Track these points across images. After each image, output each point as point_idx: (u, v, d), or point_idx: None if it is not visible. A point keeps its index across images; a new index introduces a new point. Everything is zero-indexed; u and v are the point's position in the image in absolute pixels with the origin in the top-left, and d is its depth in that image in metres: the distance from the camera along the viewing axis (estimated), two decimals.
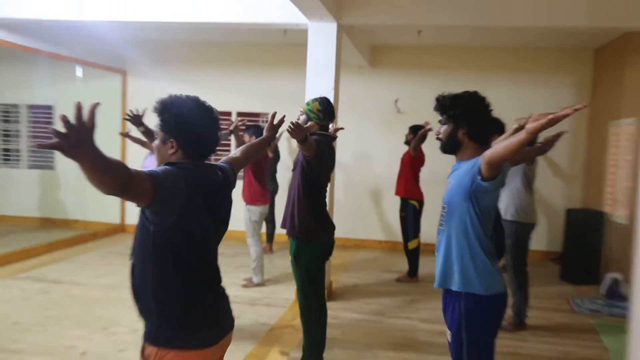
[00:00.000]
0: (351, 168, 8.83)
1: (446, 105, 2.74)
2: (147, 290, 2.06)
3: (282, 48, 8.53)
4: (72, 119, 1.53)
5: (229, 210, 2.32)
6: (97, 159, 1.59)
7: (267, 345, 4.66)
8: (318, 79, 5.84)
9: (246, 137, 6.13)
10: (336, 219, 4.74)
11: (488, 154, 2.44)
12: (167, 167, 2.01)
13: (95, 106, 1.58)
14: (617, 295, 6.21)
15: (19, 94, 9.13)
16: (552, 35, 7.47)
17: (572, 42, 7.86)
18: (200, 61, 9.25)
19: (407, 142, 6.85)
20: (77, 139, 1.52)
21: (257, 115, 8.91)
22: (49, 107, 9.38)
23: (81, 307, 5.50)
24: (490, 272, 2.65)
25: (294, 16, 5.73)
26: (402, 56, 8.79)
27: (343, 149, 7.14)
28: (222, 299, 2.28)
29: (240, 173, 8.61)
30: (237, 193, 6.80)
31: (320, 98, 3.97)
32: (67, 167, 8.92)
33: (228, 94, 9.05)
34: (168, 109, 2.10)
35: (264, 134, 2.94)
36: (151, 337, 2.07)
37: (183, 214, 2.00)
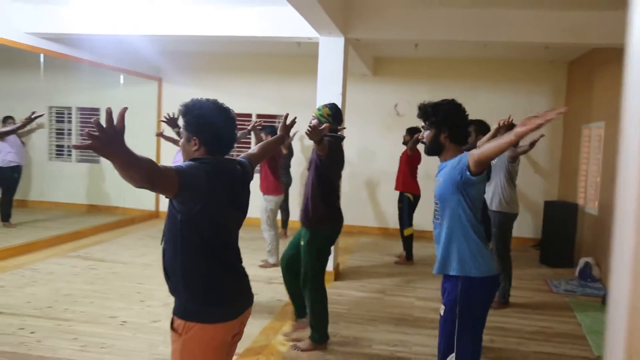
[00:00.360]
0: (355, 164, 8.71)
1: (428, 112, 2.67)
2: (176, 271, 2.06)
3: (296, 59, 8.44)
4: (103, 122, 1.52)
5: (247, 199, 2.28)
6: (126, 156, 1.60)
7: (282, 319, 4.57)
8: (327, 86, 5.78)
9: (263, 136, 6.08)
10: (342, 208, 4.65)
11: (477, 153, 2.39)
12: (191, 162, 2.00)
13: (124, 110, 1.57)
14: (589, 277, 6.08)
15: (71, 98, 9.08)
16: (531, 50, 7.38)
17: (548, 55, 7.77)
18: (225, 70, 9.16)
19: (404, 143, 6.81)
20: (108, 140, 1.54)
21: (274, 117, 8.81)
22: (96, 110, 9.32)
23: (122, 282, 5.44)
24: (483, 256, 2.58)
25: (306, 31, 5.64)
26: (401, 66, 8.68)
27: (348, 147, 7.02)
28: (242, 277, 2.25)
29: (258, 167, 8.56)
30: (255, 185, 6.76)
31: (329, 104, 3.92)
32: (109, 162, 8.84)
33: (249, 98, 8.98)
34: (191, 110, 2.09)
35: (278, 132, 2.90)
36: (179, 311, 2.06)
37: (206, 203, 1.98)
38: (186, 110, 2.10)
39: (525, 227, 8.18)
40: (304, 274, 3.93)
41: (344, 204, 6.63)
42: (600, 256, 6.18)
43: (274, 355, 3.85)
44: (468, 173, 2.44)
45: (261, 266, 6.29)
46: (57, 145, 9.34)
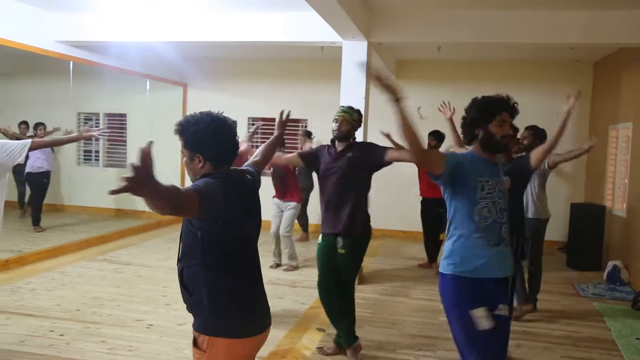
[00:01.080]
0: None
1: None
2: (200, 287, 2.00)
3: (320, 63, 8.41)
4: (137, 162, 1.47)
5: (260, 208, 2.22)
6: (158, 190, 1.56)
7: (306, 322, 4.55)
8: (351, 90, 5.77)
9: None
10: None
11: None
12: (205, 179, 1.94)
13: (149, 147, 1.50)
14: (618, 280, 5.95)
15: (98, 104, 9.21)
16: (556, 51, 7.27)
17: (574, 56, 7.65)
18: (249, 75, 9.19)
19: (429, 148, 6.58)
20: (145, 179, 1.48)
21: (297, 121, 8.82)
22: (123, 115, 9.46)
23: (147, 285, 5.48)
24: (455, 252, 2.55)
25: (330, 36, 5.65)
26: (423, 69, 8.62)
27: None
28: (262, 295, 2.19)
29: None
30: (268, 190, 6.78)
31: (356, 108, 3.83)
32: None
33: (273, 103, 8.97)
34: (186, 129, 2.03)
35: (276, 131, 2.81)
36: (203, 327, 2.01)
37: (227, 217, 1.95)
38: (182, 129, 2.04)
39: (550, 230, 7.88)
40: (348, 282, 3.79)
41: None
42: (628, 259, 6.03)
43: (297, 358, 3.83)
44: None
45: (285, 270, 6.29)
46: (85, 151, 9.49)
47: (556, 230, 8.08)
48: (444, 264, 2.58)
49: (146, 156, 1.49)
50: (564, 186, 8.22)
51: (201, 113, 2.07)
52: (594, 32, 5.39)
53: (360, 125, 3.81)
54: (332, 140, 3.79)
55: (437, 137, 6.37)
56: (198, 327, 2.02)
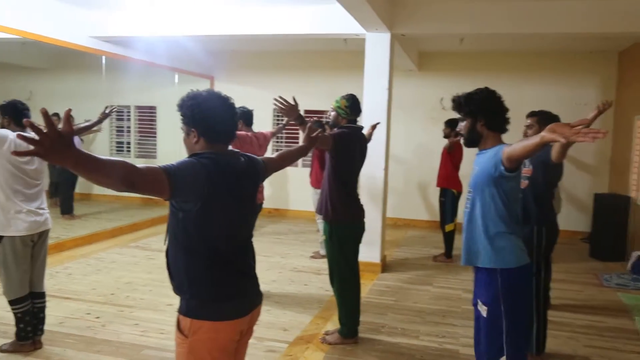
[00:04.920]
0: (401, 158, 8.63)
1: (461, 103, 2.58)
2: (180, 270, 1.94)
3: (343, 55, 8.38)
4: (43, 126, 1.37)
5: (253, 193, 2.11)
6: (81, 161, 1.44)
7: (331, 308, 4.56)
8: (374, 81, 5.75)
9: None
10: (389, 201, 4.60)
11: (508, 150, 2.29)
12: (186, 159, 1.88)
13: (69, 112, 1.43)
14: None
15: (129, 97, 9.32)
16: (580, 41, 7.12)
17: (598, 46, 7.47)
18: (274, 67, 9.21)
19: (445, 136, 6.46)
20: (52, 145, 1.36)
21: (321, 112, 8.81)
22: (153, 108, 9.58)
23: None
24: (514, 247, 2.47)
25: (353, 28, 5.61)
26: (446, 61, 8.51)
27: (394, 141, 6.99)
28: (248, 276, 2.09)
29: (308, 162, 8.57)
30: (306, 179, 6.81)
31: (347, 95, 3.83)
32: (165, 157, 9.09)
33: (297, 95, 8.84)
34: (184, 103, 1.97)
35: (302, 142, 2.71)
36: (186, 309, 1.94)
37: (207, 200, 1.85)
38: (181, 103, 1.98)
39: (573, 220, 7.90)
40: (330, 269, 3.87)
41: (391, 196, 6.58)
42: None
43: (323, 345, 3.86)
44: (502, 168, 2.33)
45: (312, 257, 6.32)
46: (117, 142, 9.65)
47: (579, 221, 7.98)
48: (500, 259, 2.48)
49: (65, 121, 1.41)
50: (587, 177, 8.07)
51: (203, 90, 2.01)
52: (620, 21, 5.22)
53: (352, 111, 3.81)
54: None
55: (451, 125, 6.29)
56: (181, 309, 1.96)
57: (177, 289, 1.98)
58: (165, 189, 1.71)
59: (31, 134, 1.40)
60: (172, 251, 1.97)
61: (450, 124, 6.29)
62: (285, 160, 2.51)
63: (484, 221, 2.49)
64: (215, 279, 1.95)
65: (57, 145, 1.37)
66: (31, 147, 1.36)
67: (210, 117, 1.94)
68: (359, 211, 3.88)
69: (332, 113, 3.83)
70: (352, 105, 3.79)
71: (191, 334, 1.92)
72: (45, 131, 1.36)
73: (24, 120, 1.43)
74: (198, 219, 1.87)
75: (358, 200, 3.92)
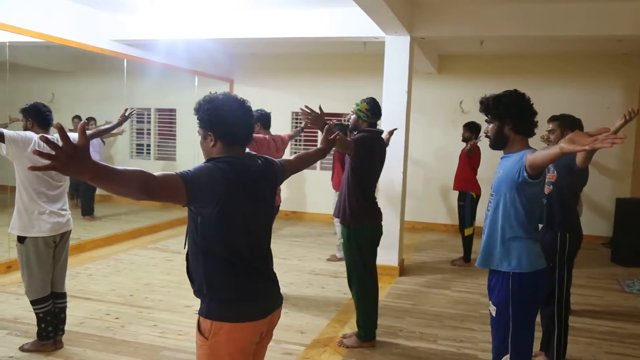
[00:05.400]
0: (421, 161, 8.60)
1: (490, 105, 2.54)
2: (200, 273, 1.95)
3: (362, 58, 8.37)
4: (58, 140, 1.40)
5: (271, 195, 2.12)
6: (98, 173, 1.47)
7: (348, 312, 4.55)
8: (393, 85, 5.73)
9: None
10: (407, 205, 4.57)
11: (530, 158, 2.28)
12: (202, 164, 1.89)
13: (83, 125, 1.45)
14: None
15: (149, 100, 9.42)
16: (603, 43, 7.00)
17: (621, 48, 7.33)
18: (293, 70, 9.23)
19: (464, 140, 6.39)
20: (67, 159, 1.38)
21: (340, 115, 8.82)
22: (173, 110, 9.67)
23: None
24: (529, 252, 2.45)
25: (373, 31, 5.60)
26: (466, 64, 8.45)
27: (413, 144, 6.96)
28: (268, 278, 2.11)
29: (326, 164, 8.56)
30: (327, 182, 6.82)
31: (368, 98, 3.81)
32: (184, 159, 9.18)
33: (316, 98, 8.87)
34: (201, 107, 1.98)
35: (320, 144, 2.70)
36: (206, 312, 1.96)
37: (225, 204, 1.86)
38: (198, 107, 1.99)
39: (594, 225, 7.78)
40: (348, 273, 3.87)
41: (410, 199, 6.54)
42: None
43: (340, 348, 3.85)
44: (525, 174, 2.32)
45: (328, 260, 6.31)
46: (138, 144, 9.76)
47: (600, 226, 7.86)
48: (516, 263, 2.47)
49: (80, 134, 1.43)
50: (609, 182, 7.94)
51: (219, 93, 2.02)
52: None
53: (373, 115, 3.79)
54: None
55: (471, 128, 6.25)
56: (202, 311, 1.98)
57: (198, 292, 2.00)
58: (182, 196, 1.74)
59: (55, 136, 1.43)
60: (192, 255, 1.98)
61: (470, 128, 6.25)
62: (304, 162, 2.49)
63: (503, 225, 2.48)
64: (234, 281, 1.96)
65: (73, 159, 1.39)
66: (47, 162, 1.37)
67: (226, 121, 1.95)
68: (377, 215, 3.87)
69: (353, 116, 3.82)
70: (373, 109, 3.78)
71: (211, 336, 1.93)
72: (60, 145, 1.37)
73: (56, 123, 1.44)
74: (216, 223, 1.89)
75: (376, 204, 3.90)
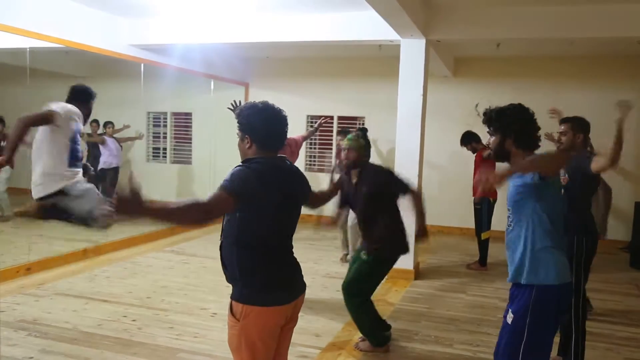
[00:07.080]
0: (436, 164, 8.56)
1: (492, 118, 2.52)
2: (233, 262, 2.17)
3: (377, 61, 8.34)
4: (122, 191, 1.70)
5: (301, 193, 2.37)
6: (156, 212, 1.83)
7: None
8: (409, 88, 5.72)
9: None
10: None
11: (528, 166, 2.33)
12: (237, 169, 2.11)
13: (131, 175, 1.76)
14: None
15: (166, 104, 9.51)
16: (621, 45, 6.91)
17: (637, 51, 7.18)
18: (308, 74, 9.27)
19: (473, 151, 6.50)
20: (129, 207, 1.72)
21: (354, 118, 8.84)
22: (189, 114, 9.75)
23: (212, 276, 5.63)
24: (557, 264, 2.38)
25: (388, 34, 5.60)
26: (482, 66, 8.41)
27: (428, 148, 6.93)
28: (294, 266, 2.34)
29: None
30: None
31: (360, 133, 3.79)
32: (200, 163, 9.25)
33: (330, 101, 9.05)
34: (242, 112, 2.23)
35: (330, 185, 3.09)
36: (239, 296, 2.18)
37: (260, 200, 2.10)
38: (239, 112, 2.25)
39: (613, 229, 7.65)
40: (352, 287, 3.78)
41: (425, 203, 6.51)
42: None
43: (355, 351, 3.85)
44: (537, 177, 2.29)
45: (341, 260, 6.34)
46: (154, 148, 9.85)
47: (619, 230, 7.75)
48: (542, 275, 2.40)
49: (130, 182, 1.70)
50: (627, 185, 7.83)
51: (258, 102, 2.25)
52: None
53: (367, 148, 3.77)
54: (346, 172, 3.75)
55: (471, 139, 6.44)
56: (234, 296, 2.20)
57: (230, 278, 2.22)
58: (231, 207, 2.05)
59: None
60: (226, 245, 2.20)
61: (469, 138, 6.38)
62: (318, 199, 2.78)
63: (527, 237, 2.40)
64: (264, 269, 2.17)
65: (132, 206, 1.73)
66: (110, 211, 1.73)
67: (262, 127, 2.19)
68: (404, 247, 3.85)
69: (350, 154, 3.67)
70: (367, 143, 3.79)
71: (242, 318, 2.14)
72: (117, 197, 1.68)
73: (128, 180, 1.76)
74: (253, 218, 2.12)
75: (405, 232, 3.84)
